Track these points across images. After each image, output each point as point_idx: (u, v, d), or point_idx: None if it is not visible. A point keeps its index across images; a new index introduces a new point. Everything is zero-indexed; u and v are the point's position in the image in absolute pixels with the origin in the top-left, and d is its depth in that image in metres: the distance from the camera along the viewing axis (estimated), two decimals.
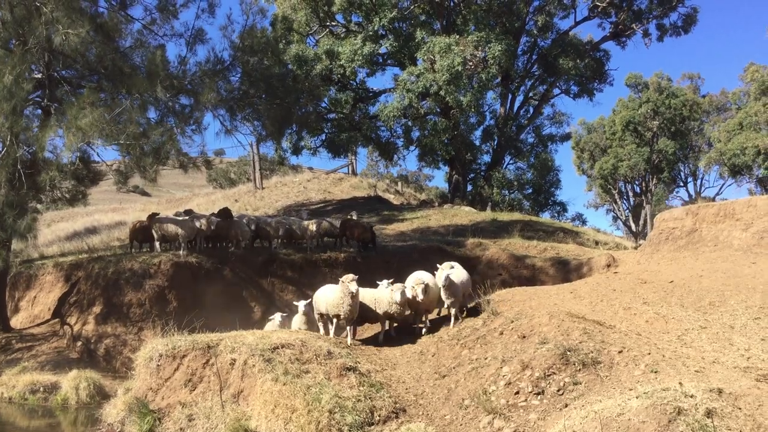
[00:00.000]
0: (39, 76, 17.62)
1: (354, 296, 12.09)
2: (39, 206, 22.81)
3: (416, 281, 12.29)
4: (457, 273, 13.12)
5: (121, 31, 18.68)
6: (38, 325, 18.79)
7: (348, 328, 12.58)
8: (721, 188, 47.88)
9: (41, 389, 15.00)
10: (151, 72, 17.60)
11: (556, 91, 37.66)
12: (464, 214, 29.70)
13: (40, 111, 18.41)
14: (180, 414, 10.70)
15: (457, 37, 28.35)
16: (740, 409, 7.35)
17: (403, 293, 12.17)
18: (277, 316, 14.12)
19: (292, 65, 26.60)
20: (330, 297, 12.60)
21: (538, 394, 9.00)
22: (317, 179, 41.47)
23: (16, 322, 19.27)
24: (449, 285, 12.38)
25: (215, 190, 46.93)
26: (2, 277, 18.70)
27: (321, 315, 13.07)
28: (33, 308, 19.46)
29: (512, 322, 10.92)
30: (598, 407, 7.75)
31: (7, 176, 15.72)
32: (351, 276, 12.20)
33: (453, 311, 12.55)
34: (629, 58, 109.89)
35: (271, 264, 19.47)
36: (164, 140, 18.10)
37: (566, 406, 8.43)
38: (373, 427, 9.29)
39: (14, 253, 18.60)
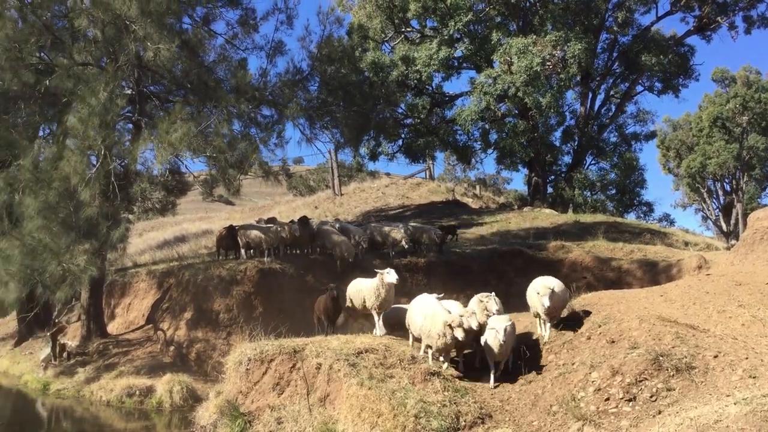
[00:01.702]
0: (129, 92, 18.41)
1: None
2: (131, 217, 23.83)
3: (543, 286, 11.25)
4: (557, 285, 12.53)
5: (204, 46, 19.34)
6: (133, 330, 19.61)
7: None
8: None
9: (137, 393, 15.67)
10: (235, 85, 18.15)
11: (639, 88, 36.60)
12: (545, 217, 29.21)
13: (131, 125, 19.23)
14: (269, 417, 10.95)
15: (535, 37, 27.99)
16: None
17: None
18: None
19: (369, 72, 26.89)
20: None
21: (630, 400, 8.75)
22: (395, 185, 41.68)
23: (113, 328, 20.18)
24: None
25: (295, 198, 47.86)
26: (99, 286, 19.59)
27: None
28: (128, 314, 20.34)
29: (600, 326, 10.67)
30: (694, 414, 7.48)
31: (102, 188, 16.47)
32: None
33: (548, 325, 11.90)
34: (715, 52, 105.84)
35: (353, 269, 19.66)
36: (248, 152, 18.59)
37: (659, 412, 8.17)
38: None
39: (109, 263, 19.47)
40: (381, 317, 12.76)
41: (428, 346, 11.04)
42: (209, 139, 17.29)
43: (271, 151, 20.06)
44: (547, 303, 10.88)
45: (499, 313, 11.22)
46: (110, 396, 15.86)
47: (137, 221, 37.02)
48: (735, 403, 7.48)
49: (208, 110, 18.26)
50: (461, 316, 10.64)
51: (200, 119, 17.44)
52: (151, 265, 22.40)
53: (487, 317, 11.04)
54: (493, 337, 10.43)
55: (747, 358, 8.68)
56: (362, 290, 12.99)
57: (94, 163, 17.17)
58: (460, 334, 10.27)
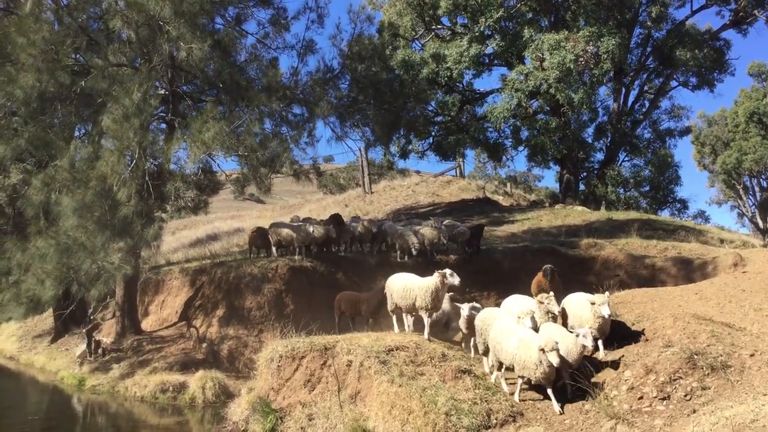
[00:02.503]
0: (163, 92, 18.64)
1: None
2: (164, 215, 24.13)
3: (601, 296, 10.46)
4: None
5: (236, 45, 19.47)
6: (166, 327, 19.88)
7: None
8: None
9: (170, 389, 15.88)
10: (266, 85, 18.27)
11: (674, 83, 36.04)
12: (577, 214, 28.91)
13: (164, 125, 19.47)
14: (300, 413, 11.03)
15: (567, 33, 27.69)
16: None
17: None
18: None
19: (399, 70, 26.83)
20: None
21: (664, 399, 8.64)
22: (425, 183, 41.62)
23: (146, 324, 20.48)
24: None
25: (326, 196, 48.07)
26: (133, 283, 19.89)
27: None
28: (161, 312, 20.62)
29: (633, 324, 10.54)
30: (730, 413, 7.36)
31: (137, 188, 16.69)
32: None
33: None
34: (752, 46, 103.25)
35: (383, 267, 19.68)
36: (279, 151, 18.70)
37: (694, 411, 8.05)
38: (489, 430, 9.22)
39: (143, 260, 19.76)
40: (430, 320, 12.16)
41: (521, 377, 9.87)
42: (241, 138, 17.42)
43: (302, 149, 20.15)
44: (607, 312, 10.17)
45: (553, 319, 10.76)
46: (144, 392, 16.10)
47: (170, 220, 37.45)
48: None
49: (240, 109, 18.39)
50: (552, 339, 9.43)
51: (232, 118, 17.57)
52: (184, 263, 22.67)
53: (552, 319, 10.70)
54: (573, 344, 9.68)
55: None
56: (413, 289, 12.14)
57: (129, 162, 17.43)
58: (555, 360, 9.14)
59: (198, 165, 18.30)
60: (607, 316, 10.15)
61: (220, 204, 50.34)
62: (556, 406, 9.47)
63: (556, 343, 9.19)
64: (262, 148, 17.75)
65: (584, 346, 9.53)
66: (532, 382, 9.78)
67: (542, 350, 9.20)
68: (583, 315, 10.63)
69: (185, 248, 29.57)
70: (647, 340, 10.16)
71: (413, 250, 19.24)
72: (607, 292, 10.59)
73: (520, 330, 10.04)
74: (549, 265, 13.56)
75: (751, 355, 8.72)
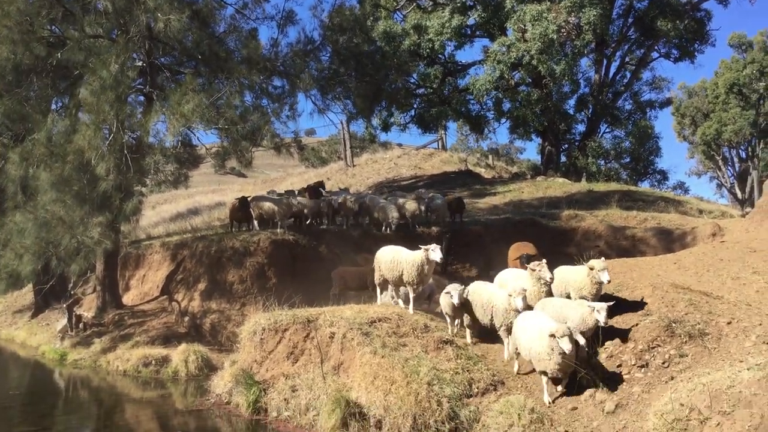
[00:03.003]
0: (140, 64, 18.35)
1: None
2: (143, 189, 23.92)
3: (600, 262, 9.94)
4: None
5: (215, 16, 19.16)
6: (148, 301, 19.82)
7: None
8: None
9: (153, 362, 15.86)
10: (246, 56, 18.04)
11: (655, 54, 36.08)
12: (558, 186, 29.06)
13: (142, 97, 19.19)
14: (284, 385, 11.09)
15: (549, 3, 27.55)
16: None
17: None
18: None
19: (381, 42, 26.61)
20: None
21: (642, 366, 8.78)
22: (407, 155, 41.57)
23: (128, 299, 20.39)
24: None
25: (308, 170, 47.87)
26: (113, 258, 19.73)
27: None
28: (143, 286, 20.53)
29: (612, 294, 10.64)
30: (707, 379, 7.49)
31: (115, 161, 16.49)
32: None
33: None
34: (732, 17, 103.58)
35: (366, 240, 19.71)
36: (260, 124, 18.53)
37: (672, 378, 8.19)
38: (471, 399, 9.33)
39: (123, 235, 19.61)
40: (415, 294, 12.03)
41: (543, 373, 8.87)
42: (221, 111, 17.26)
43: (283, 122, 20.01)
44: (607, 278, 9.64)
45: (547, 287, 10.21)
46: (126, 366, 16.08)
47: (150, 194, 37.25)
48: (748, 369, 7.48)
49: (220, 81, 18.20)
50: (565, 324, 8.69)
51: (212, 91, 17.38)
52: (165, 238, 22.55)
53: (545, 286, 10.19)
54: (588, 315, 8.97)
55: (761, 324, 8.65)
56: (401, 262, 11.90)
57: (107, 135, 17.20)
58: (567, 346, 8.16)
59: (177, 138, 18.12)
60: (606, 282, 9.71)
61: (200, 178, 50.05)
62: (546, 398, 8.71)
63: (569, 328, 8.36)
64: (242, 120, 17.59)
65: (597, 321, 8.81)
66: (549, 375, 8.76)
67: (553, 336, 8.34)
68: (577, 280, 10.14)
69: (166, 222, 29.39)
70: (627, 309, 10.28)
71: (392, 224, 19.20)
72: (602, 258, 10.17)
73: (536, 319, 9.07)
74: (524, 254, 13.38)
75: (728, 323, 8.85)
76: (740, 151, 44.50)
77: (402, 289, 12.46)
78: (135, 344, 17.06)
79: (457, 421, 8.99)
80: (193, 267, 19.36)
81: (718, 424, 6.99)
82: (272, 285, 17.92)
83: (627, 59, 36.30)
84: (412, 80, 32.21)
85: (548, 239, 20.07)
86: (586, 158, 34.03)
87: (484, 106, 32.54)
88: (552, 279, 10.13)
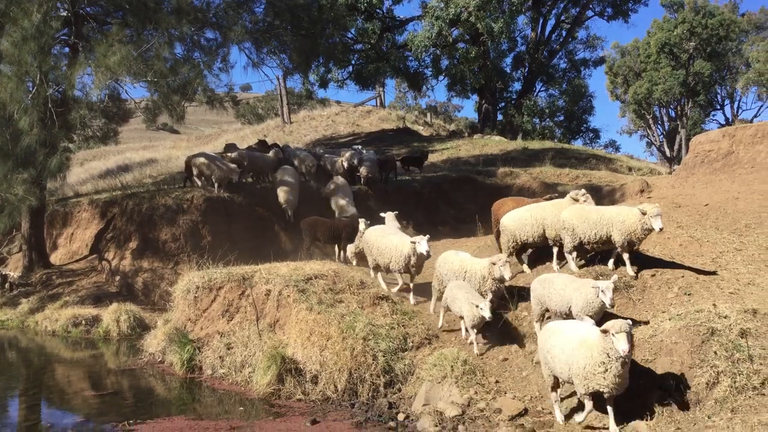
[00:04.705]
0: (65, 13, 17.49)
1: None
2: (71, 146, 23.06)
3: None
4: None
5: None
6: (77, 261, 19.25)
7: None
8: (759, 110, 46.26)
9: (83, 322, 15.47)
10: (176, 6, 17.35)
11: (590, 13, 36.55)
12: (494, 144, 29.39)
13: (67, 49, 18.34)
14: (219, 343, 11.01)
15: None
16: None
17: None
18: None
19: None
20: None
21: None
22: (345, 113, 41.19)
23: (56, 258, 19.75)
24: None
25: (244, 126, 46.94)
26: (39, 215, 19.05)
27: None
28: (71, 245, 19.90)
29: (544, 249, 10.86)
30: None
31: (39, 115, 15.81)
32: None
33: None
34: None
35: (303, 197, 19.52)
36: (191, 77, 17.99)
37: None
38: (406, 352, 9.47)
39: (49, 192, 18.90)
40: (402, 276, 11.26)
41: (588, 396, 7.04)
42: (150, 63, 16.64)
43: (215, 76, 19.45)
44: (659, 225, 8.72)
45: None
46: (55, 326, 15.64)
47: (78, 150, 35.99)
48: (670, 319, 7.79)
49: (148, 33, 17.49)
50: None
51: (140, 42, 16.74)
52: (94, 195, 21.79)
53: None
54: (594, 298, 7.86)
55: (683, 277, 8.99)
56: (390, 248, 11.07)
57: (30, 88, 16.43)
58: (624, 346, 6.45)
59: (104, 91, 17.54)
60: (658, 231, 8.80)
61: (131, 134, 48.57)
62: (613, 426, 6.88)
63: (629, 323, 6.63)
64: (172, 73, 17.04)
65: (603, 303, 7.77)
66: (605, 395, 6.86)
67: (606, 332, 6.62)
68: (626, 223, 9.05)
69: (95, 180, 28.37)
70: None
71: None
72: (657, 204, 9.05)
73: (569, 327, 7.42)
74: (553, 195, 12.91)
75: (652, 276, 9.17)
76: (670, 110, 45.67)
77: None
78: (64, 304, 16.60)
79: (392, 375, 9.13)
80: (123, 225, 18.84)
81: None
82: (206, 243, 17.64)
83: (563, 18, 36.64)
84: (350, 35, 31.72)
85: (484, 196, 20.27)
86: (522, 116, 34.46)
87: (422, 63, 32.45)
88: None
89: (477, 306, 8.72)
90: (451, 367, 8.52)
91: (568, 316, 8.17)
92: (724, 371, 6.81)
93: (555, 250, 10.28)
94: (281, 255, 14.72)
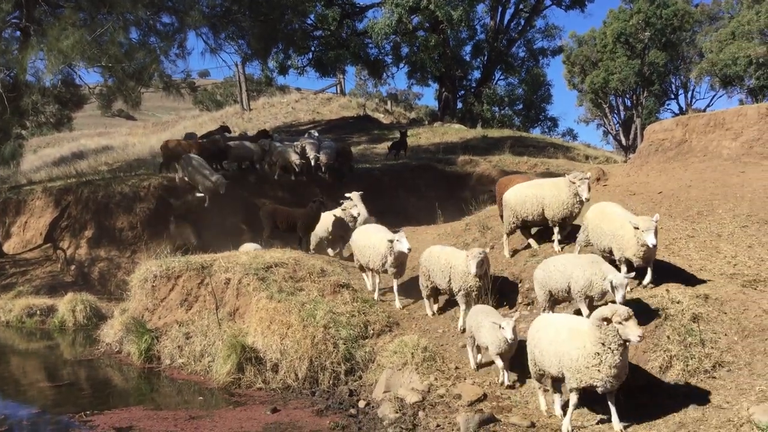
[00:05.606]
0: None
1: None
2: (24, 132, 22.48)
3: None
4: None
5: None
6: (31, 250, 18.84)
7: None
8: (712, 100, 47.35)
9: (38, 312, 15.15)
10: None
11: (548, 2, 36.82)
12: (454, 132, 29.55)
13: (18, 33, 17.86)
14: (177, 332, 10.91)
15: None
16: (726, 313, 7.53)
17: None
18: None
19: None
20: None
21: (528, 304, 9.24)
22: (305, 100, 40.89)
23: (8, 247, 19.29)
24: None
25: (202, 113, 46.23)
26: None
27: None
28: (24, 233, 19.45)
29: (504, 236, 10.99)
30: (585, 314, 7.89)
31: None
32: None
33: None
34: None
35: (263, 185, 19.40)
36: (147, 62, 17.68)
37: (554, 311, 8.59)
38: (367, 340, 9.50)
39: (2, 179, 18.45)
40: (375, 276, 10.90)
41: (580, 390, 6.60)
42: (104, 48, 16.32)
43: (172, 62, 19.18)
44: (652, 241, 7.87)
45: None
46: (9, 316, 15.29)
47: (31, 137, 35.07)
48: (624, 303, 7.92)
49: (103, 17, 17.12)
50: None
51: (94, 26, 16.38)
52: (48, 183, 21.31)
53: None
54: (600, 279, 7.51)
55: None
56: (368, 247, 10.58)
57: None
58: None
59: (57, 76, 17.14)
60: (651, 246, 7.92)
61: (86, 120, 47.51)
62: (617, 424, 6.53)
63: (630, 309, 6.27)
64: (127, 58, 16.75)
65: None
66: (599, 390, 6.46)
67: (607, 320, 6.21)
68: (624, 236, 8.38)
69: (48, 167, 27.68)
70: (516, 251, 10.67)
71: (295, 167, 18.92)
72: (656, 215, 8.35)
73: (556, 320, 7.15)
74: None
75: None
76: (626, 99, 46.43)
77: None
78: (18, 294, 16.25)
79: (353, 362, 9.16)
80: (78, 213, 18.47)
81: None
82: (164, 231, 17.41)
83: (521, 6, 36.85)
84: (309, 22, 31.41)
85: (444, 184, 20.51)
86: (482, 105, 34.66)
87: (383, 51, 32.32)
88: (588, 198, 9.78)
89: (500, 326, 7.67)
90: (412, 354, 8.58)
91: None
92: (677, 355, 7.01)
93: (556, 230, 10.24)
94: (242, 243, 14.56)
